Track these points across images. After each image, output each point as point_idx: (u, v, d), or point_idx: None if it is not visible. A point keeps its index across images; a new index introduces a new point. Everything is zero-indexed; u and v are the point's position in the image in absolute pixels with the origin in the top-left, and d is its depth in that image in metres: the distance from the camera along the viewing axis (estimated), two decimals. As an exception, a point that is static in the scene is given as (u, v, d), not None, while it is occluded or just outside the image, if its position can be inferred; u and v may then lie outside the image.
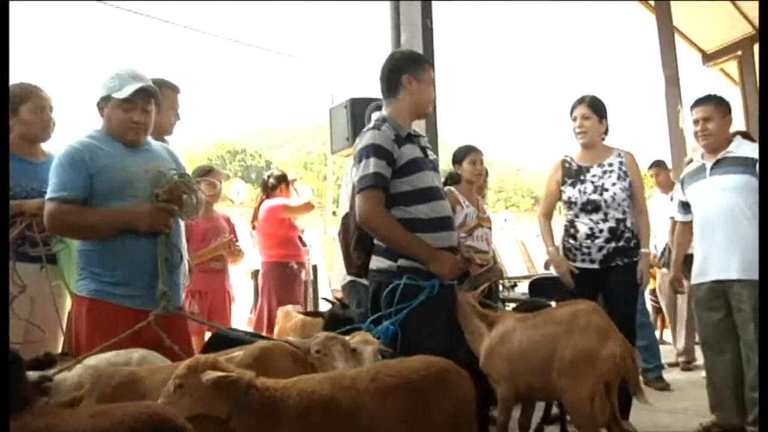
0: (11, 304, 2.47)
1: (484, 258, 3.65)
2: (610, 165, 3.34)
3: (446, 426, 1.77)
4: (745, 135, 3.74)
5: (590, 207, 3.32)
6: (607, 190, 3.29)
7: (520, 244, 10.48)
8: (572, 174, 3.42)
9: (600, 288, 3.30)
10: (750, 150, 3.25)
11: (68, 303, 2.80)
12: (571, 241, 3.39)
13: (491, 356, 2.65)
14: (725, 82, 11.02)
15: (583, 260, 3.34)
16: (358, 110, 4.46)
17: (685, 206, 3.54)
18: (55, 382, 1.85)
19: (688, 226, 3.56)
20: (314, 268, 5.53)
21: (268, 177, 5.04)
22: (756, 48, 10.54)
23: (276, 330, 4.03)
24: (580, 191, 3.34)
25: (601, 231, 3.29)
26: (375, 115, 2.79)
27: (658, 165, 6.05)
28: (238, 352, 1.88)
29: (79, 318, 2.39)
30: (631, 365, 2.46)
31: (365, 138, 2.55)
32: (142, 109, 2.45)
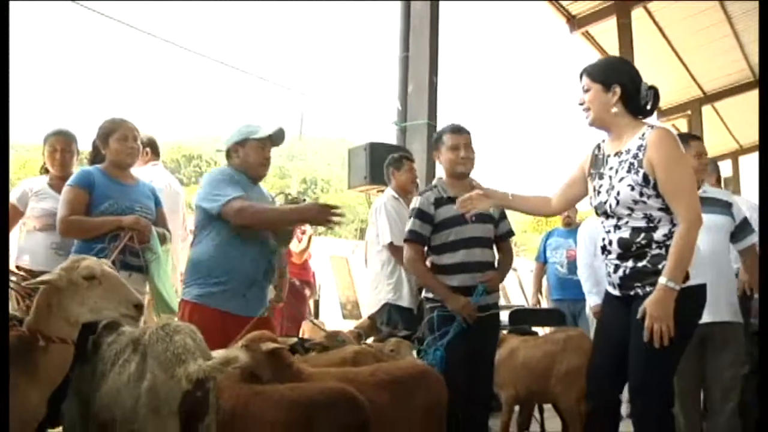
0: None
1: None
2: (628, 152, 2.39)
3: (422, 414, 2.41)
4: None
5: (600, 211, 2.48)
6: (613, 188, 2.40)
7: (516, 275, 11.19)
8: (597, 164, 2.55)
9: (626, 325, 2.39)
10: (718, 193, 3.31)
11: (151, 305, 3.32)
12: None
13: (500, 367, 3.42)
14: (675, 137, 12.24)
15: (609, 283, 2.51)
16: (375, 153, 5.23)
17: None
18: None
19: None
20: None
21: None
22: (704, 110, 11.87)
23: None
24: (594, 189, 2.51)
25: (610, 243, 2.41)
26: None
27: None
28: (338, 353, 2.58)
29: (183, 320, 2.82)
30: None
31: (412, 201, 3.33)
32: (269, 150, 3.07)
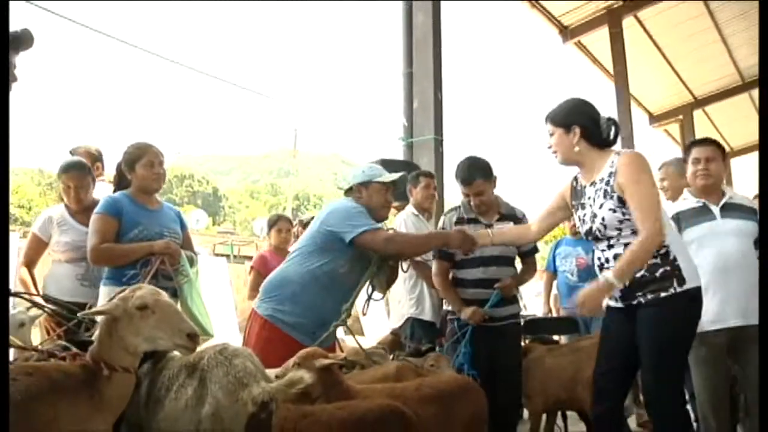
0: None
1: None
2: (601, 180, 2.61)
3: (467, 423, 2.49)
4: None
5: (591, 237, 2.69)
6: (596, 216, 2.61)
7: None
8: (577, 196, 2.78)
9: (632, 332, 2.57)
10: (744, 199, 3.33)
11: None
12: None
13: (527, 376, 3.48)
14: (668, 142, 12.47)
15: (609, 297, 2.68)
16: (387, 169, 5.26)
17: None
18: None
19: None
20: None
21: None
22: (695, 114, 12.09)
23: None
24: (579, 218, 2.73)
25: (607, 260, 2.62)
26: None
27: None
28: (381, 369, 2.64)
29: (252, 331, 2.95)
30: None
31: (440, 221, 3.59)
32: (391, 194, 3.14)
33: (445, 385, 2.54)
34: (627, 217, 2.51)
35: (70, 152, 4.12)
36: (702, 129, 12.18)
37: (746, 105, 12.23)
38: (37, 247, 3.58)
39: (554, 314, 6.19)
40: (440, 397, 2.44)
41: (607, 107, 9.51)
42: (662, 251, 2.50)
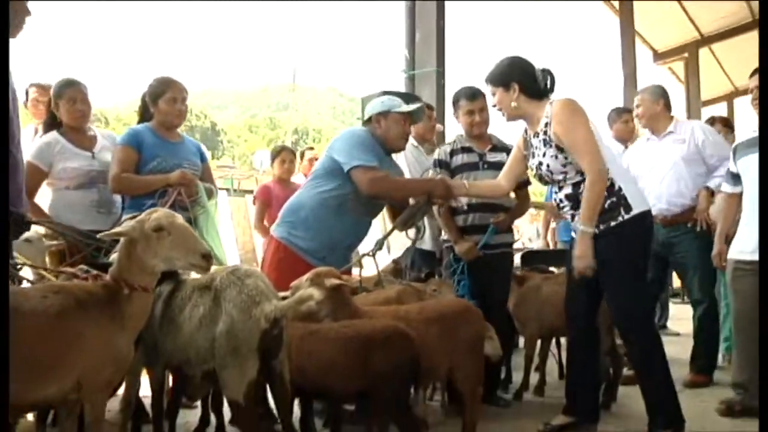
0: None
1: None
2: (541, 130, 2.83)
3: (467, 344, 2.59)
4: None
5: (543, 182, 3.03)
6: (541, 164, 2.85)
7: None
8: (527, 146, 3.00)
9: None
10: None
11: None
12: None
13: (523, 304, 3.64)
14: (672, 80, 12.32)
15: (572, 229, 2.98)
16: (391, 101, 5.28)
17: (735, 177, 3.35)
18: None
19: (735, 198, 3.39)
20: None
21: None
22: (701, 52, 11.88)
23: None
24: (530, 167, 3.00)
25: (561, 201, 2.88)
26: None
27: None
28: (383, 293, 2.76)
29: (268, 253, 3.17)
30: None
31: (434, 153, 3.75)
32: (410, 125, 3.24)
33: (446, 307, 2.65)
34: (569, 161, 2.75)
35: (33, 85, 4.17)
36: (707, 67, 12.02)
37: (754, 43, 11.92)
38: (36, 177, 3.35)
39: (551, 247, 6.33)
40: (442, 319, 2.55)
41: (611, 43, 9.41)
42: (607, 184, 2.71)
